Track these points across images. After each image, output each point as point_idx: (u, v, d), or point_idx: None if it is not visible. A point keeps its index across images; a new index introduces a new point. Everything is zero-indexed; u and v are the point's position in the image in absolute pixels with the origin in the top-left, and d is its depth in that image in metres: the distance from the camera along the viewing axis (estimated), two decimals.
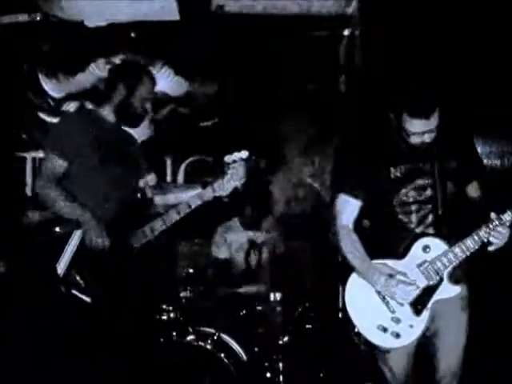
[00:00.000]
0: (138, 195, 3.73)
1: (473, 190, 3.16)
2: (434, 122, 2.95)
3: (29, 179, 5.69)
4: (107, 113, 3.61)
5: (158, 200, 3.75)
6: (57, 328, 3.17)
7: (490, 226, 2.96)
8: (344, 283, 3.18)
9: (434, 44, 4.66)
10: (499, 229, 2.95)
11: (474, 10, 4.58)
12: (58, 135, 3.52)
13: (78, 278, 3.22)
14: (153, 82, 3.64)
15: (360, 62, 5.46)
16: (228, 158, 3.53)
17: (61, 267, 3.21)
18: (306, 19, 5.59)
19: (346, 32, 5.67)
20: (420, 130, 2.95)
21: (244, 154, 3.52)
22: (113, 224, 3.43)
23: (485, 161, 4.22)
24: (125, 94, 3.57)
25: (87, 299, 3.20)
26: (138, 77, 3.59)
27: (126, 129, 3.72)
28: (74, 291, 3.21)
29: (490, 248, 2.99)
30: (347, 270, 3.23)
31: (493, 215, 2.96)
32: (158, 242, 3.60)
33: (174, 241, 5.21)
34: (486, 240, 2.98)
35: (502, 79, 4.44)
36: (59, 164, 3.43)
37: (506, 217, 2.95)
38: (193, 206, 3.54)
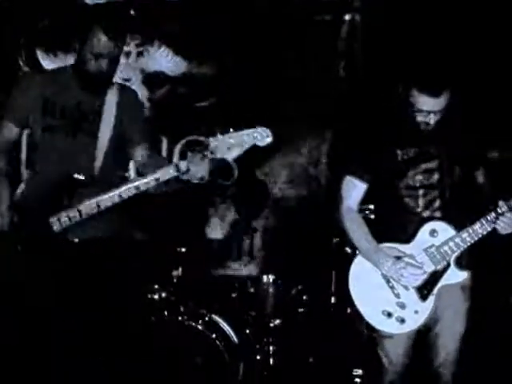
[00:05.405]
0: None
1: (481, 175, 3.11)
2: (442, 102, 2.90)
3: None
4: (69, 75, 3.14)
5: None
6: None
7: (499, 211, 2.93)
8: (338, 268, 3.17)
9: (435, 28, 4.65)
10: (508, 215, 2.92)
11: None
12: (12, 98, 3.16)
13: None
14: (109, 34, 3.01)
15: (360, 47, 5.44)
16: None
17: None
18: (307, 3, 5.55)
19: (347, 17, 5.64)
20: (427, 108, 2.90)
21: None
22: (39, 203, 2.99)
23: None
24: (78, 49, 3.09)
25: None
26: (87, 28, 3.04)
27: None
28: None
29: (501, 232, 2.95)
30: (341, 254, 3.23)
31: (501, 203, 2.93)
32: None
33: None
34: (493, 225, 2.94)
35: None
36: (8, 129, 3.09)
37: None
38: (142, 188, 2.99)
